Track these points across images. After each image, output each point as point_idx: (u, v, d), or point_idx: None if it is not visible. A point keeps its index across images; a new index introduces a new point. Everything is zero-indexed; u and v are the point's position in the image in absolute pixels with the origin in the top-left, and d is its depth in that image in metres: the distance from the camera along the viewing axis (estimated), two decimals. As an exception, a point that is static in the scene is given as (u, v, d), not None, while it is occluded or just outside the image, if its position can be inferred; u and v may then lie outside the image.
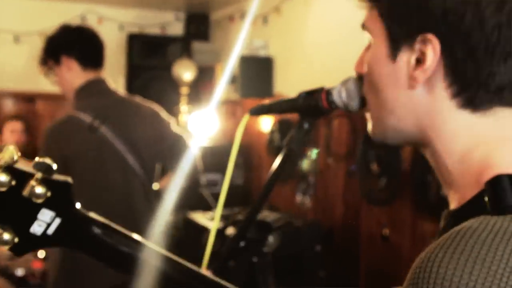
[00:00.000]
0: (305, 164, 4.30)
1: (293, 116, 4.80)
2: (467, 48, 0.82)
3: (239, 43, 5.20)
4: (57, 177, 0.95)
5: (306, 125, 1.55)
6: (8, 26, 5.60)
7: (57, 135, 2.69)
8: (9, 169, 0.89)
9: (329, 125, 4.12)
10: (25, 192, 0.90)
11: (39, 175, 0.90)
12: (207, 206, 4.52)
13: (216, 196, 4.18)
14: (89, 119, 2.68)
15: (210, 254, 1.49)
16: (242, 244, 1.56)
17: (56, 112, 5.82)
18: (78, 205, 0.98)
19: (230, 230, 1.59)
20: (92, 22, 5.79)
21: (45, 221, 0.92)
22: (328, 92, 1.42)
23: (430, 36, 0.83)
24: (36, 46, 5.55)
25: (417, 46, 0.85)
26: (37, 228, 0.92)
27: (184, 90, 5.26)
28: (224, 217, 4.36)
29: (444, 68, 0.84)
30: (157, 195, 2.87)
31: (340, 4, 4.24)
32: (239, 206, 4.45)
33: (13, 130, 4.98)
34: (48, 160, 0.92)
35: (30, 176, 0.91)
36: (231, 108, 5.43)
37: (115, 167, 2.73)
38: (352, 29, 4.91)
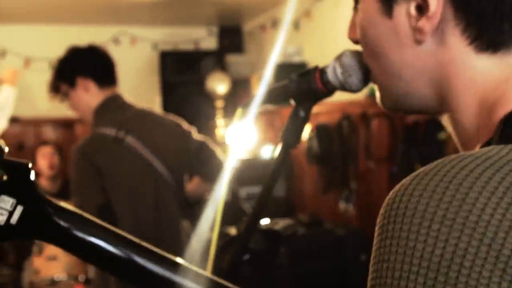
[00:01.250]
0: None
1: (331, 121, 4.56)
2: None
3: (274, 52, 5.05)
4: (14, 159, 0.83)
5: (301, 113, 1.35)
6: (43, 54, 5.64)
7: (86, 152, 2.59)
8: None
9: (368, 126, 3.91)
10: None
11: None
12: (247, 221, 4.37)
13: (257, 210, 4.01)
14: (113, 132, 2.61)
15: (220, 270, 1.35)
16: (246, 257, 1.37)
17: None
18: (40, 190, 0.84)
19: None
20: (125, 43, 5.78)
21: (6, 209, 0.81)
22: (322, 71, 1.23)
23: None
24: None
25: None
26: (-1, 217, 0.81)
27: (219, 104, 5.14)
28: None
29: (453, 11, 0.69)
30: (188, 202, 2.82)
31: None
32: (283, 218, 4.28)
33: (44, 154, 4.97)
34: None
35: None
36: (269, 118, 5.28)
37: (146, 176, 2.65)
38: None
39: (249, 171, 4.54)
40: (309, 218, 3.96)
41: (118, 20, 5.69)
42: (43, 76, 5.63)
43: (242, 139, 5.21)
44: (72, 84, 2.67)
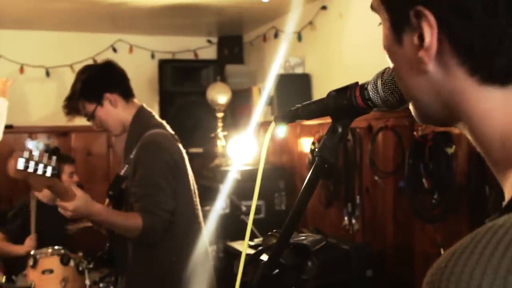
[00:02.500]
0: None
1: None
2: (462, 14, 0.68)
3: (275, 62, 5.01)
4: None
5: (339, 129, 1.30)
6: (39, 60, 5.55)
7: (170, 151, 2.68)
8: None
9: (374, 140, 3.85)
10: None
11: None
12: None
13: (257, 223, 3.94)
14: (170, 134, 2.74)
15: (244, 284, 1.30)
16: (276, 271, 1.33)
17: (89, 145, 5.71)
18: None
19: (264, 257, 1.40)
20: (123, 51, 5.71)
21: None
22: (362, 88, 1.20)
23: (421, 8, 0.70)
24: (69, 79, 5.51)
25: (414, 22, 0.72)
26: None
27: (220, 114, 5.06)
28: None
29: (449, 43, 0.70)
30: None
31: (375, 14, 4.01)
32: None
33: (66, 173, 4.72)
34: None
35: None
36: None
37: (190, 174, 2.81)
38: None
39: (250, 183, 4.47)
40: (312, 232, 3.89)
41: (116, 28, 5.61)
42: (38, 83, 5.55)
43: (243, 151, 5.12)
44: (100, 102, 2.74)
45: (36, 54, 5.57)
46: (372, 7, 0.86)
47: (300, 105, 1.40)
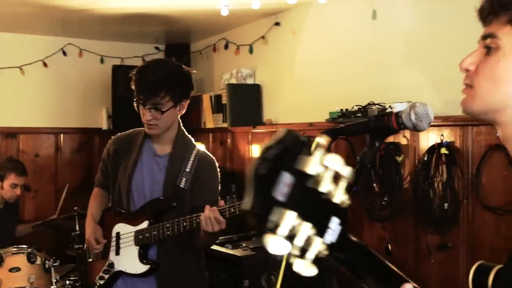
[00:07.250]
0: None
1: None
2: None
3: (226, 72, 5.27)
4: None
5: (376, 144, 1.68)
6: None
7: None
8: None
9: (328, 147, 4.19)
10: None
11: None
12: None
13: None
14: None
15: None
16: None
17: (37, 147, 5.74)
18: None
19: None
20: (73, 55, 5.79)
21: (333, 229, 0.85)
22: (397, 115, 1.57)
23: None
24: (18, 80, 5.52)
25: None
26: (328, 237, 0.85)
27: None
28: (220, 243, 4.38)
29: None
30: None
31: (326, 31, 4.37)
32: (234, 235, 4.57)
33: (16, 184, 4.65)
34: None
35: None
36: (219, 136, 5.47)
37: None
38: (338, 55, 4.98)
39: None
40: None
41: (67, 32, 5.66)
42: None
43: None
44: (176, 105, 2.71)
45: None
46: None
47: (343, 125, 1.74)
